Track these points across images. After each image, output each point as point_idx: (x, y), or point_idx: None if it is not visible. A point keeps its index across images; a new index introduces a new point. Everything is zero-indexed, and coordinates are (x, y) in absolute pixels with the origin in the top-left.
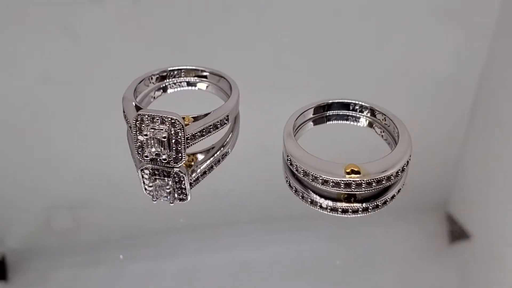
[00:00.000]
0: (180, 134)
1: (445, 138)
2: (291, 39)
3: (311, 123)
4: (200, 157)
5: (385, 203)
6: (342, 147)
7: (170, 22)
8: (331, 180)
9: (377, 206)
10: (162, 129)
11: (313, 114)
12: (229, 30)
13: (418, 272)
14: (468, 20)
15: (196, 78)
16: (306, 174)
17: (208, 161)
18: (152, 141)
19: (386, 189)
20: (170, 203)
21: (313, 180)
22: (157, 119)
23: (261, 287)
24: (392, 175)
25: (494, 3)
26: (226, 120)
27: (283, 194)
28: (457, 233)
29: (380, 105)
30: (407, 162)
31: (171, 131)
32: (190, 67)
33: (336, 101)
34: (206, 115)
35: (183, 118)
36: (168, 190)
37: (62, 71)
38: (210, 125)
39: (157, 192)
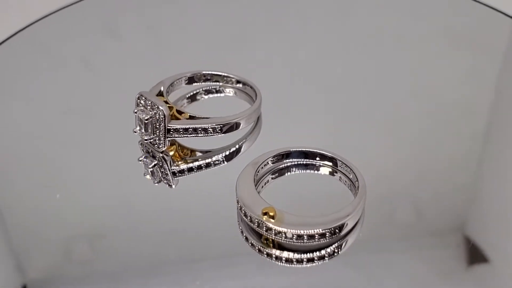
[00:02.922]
0: (161, 123)
1: (461, 160)
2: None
3: (270, 176)
4: (198, 154)
5: (300, 261)
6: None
7: (188, 51)
8: (249, 214)
9: (289, 260)
10: (147, 113)
11: (272, 163)
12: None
13: None
14: (479, 43)
15: (226, 83)
16: (237, 202)
17: (200, 162)
18: (139, 121)
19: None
20: (154, 182)
21: (240, 209)
22: (149, 103)
23: None
24: (304, 236)
25: (505, 25)
26: (219, 130)
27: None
28: (475, 257)
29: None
30: (334, 231)
31: (155, 117)
32: (222, 73)
33: (295, 149)
34: (207, 117)
35: (182, 113)
36: (150, 169)
37: (80, 103)
38: (199, 128)
39: (145, 168)
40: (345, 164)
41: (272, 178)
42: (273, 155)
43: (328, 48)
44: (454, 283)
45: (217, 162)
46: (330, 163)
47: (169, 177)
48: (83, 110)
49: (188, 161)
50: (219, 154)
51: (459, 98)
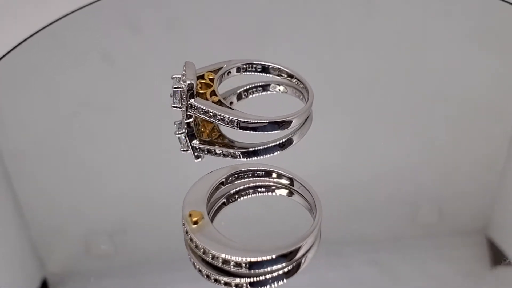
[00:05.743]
0: (185, 96)
1: (485, 161)
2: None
3: (224, 200)
4: (224, 140)
5: (217, 281)
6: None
7: (210, 46)
8: (181, 211)
9: (201, 272)
10: (179, 82)
11: (224, 185)
12: None
13: None
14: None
15: (283, 79)
16: None
17: (220, 147)
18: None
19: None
20: (181, 149)
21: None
22: (185, 74)
23: None
24: (209, 253)
25: None
26: (236, 124)
27: None
28: (497, 258)
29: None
30: (241, 264)
31: (182, 89)
32: (289, 70)
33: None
34: (231, 108)
35: (215, 96)
36: (177, 136)
37: (101, 97)
38: (217, 115)
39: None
40: (302, 185)
41: (225, 202)
42: (229, 173)
43: (354, 47)
44: (476, 283)
45: (233, 155)
46: (288, 182)
47: (191, 149)
48: (102, 104)
49: (211, 142)
50: (240, 149)
51: (483, 99)
